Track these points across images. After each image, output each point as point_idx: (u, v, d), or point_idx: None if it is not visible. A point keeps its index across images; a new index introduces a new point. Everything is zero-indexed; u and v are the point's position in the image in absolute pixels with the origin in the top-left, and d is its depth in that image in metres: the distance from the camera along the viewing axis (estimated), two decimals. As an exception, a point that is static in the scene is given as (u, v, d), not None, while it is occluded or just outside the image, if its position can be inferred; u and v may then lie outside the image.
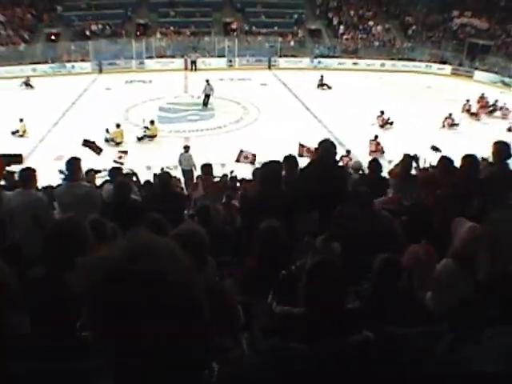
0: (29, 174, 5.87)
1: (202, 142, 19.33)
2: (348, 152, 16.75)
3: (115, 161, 15.03)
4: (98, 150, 12.44)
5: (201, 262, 2.71)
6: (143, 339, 0.85)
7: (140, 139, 19.86)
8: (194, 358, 0.91)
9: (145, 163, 15.35)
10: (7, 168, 7.47)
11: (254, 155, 14.26)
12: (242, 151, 14.47)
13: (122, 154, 14.83)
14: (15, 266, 3.33)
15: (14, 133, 20.24)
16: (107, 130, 19.46)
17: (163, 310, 0.86)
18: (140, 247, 0.92)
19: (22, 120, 20.38)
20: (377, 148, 18.14)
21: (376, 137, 18.51)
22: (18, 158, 4.74)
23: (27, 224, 5.04)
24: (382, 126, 21.36)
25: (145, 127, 20.15)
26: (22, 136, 20.14)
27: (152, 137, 19.99)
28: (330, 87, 28.67)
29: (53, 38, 34.95)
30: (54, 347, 1.99)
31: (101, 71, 32.61)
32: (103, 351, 0.89)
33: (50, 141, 19.66)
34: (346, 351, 2.25)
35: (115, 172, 8.66)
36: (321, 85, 28.85)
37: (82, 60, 33.34)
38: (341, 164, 11.50)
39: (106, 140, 19.12)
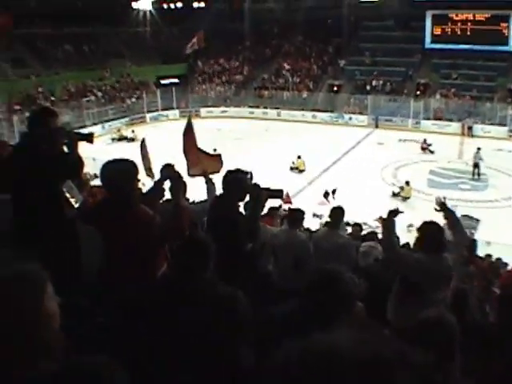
0: (298, 215, 6.12)
1: (470, 213, 17.72)
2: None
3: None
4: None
5: (447, 358, 2.34)
6: None
7: (394, 195, 20.22)
8: None
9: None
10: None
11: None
12: None
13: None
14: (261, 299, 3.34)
15: (292, 168, 23.97)
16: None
17: None
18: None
19: (299, 157, 23.94)
20: None
21: None
22: (278, 193, 4.69)
23: (287, 262, 5.29)
24: None
25: (400, 187, 20.53)
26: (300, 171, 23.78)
27: (405, 198, 19.91)
28: None
29: (334, 89, 38.18)
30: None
31: (377, 126, 33.61)
32: None
33: (318, 185, 21.07)
34: None
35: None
36: None
37: (360, 113, 35.31)
38: None
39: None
